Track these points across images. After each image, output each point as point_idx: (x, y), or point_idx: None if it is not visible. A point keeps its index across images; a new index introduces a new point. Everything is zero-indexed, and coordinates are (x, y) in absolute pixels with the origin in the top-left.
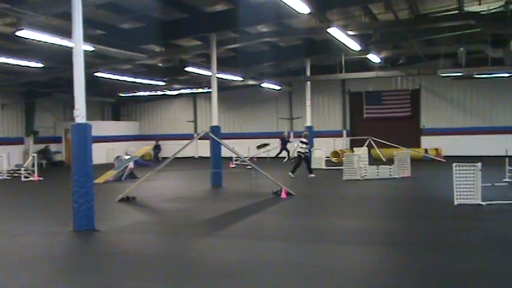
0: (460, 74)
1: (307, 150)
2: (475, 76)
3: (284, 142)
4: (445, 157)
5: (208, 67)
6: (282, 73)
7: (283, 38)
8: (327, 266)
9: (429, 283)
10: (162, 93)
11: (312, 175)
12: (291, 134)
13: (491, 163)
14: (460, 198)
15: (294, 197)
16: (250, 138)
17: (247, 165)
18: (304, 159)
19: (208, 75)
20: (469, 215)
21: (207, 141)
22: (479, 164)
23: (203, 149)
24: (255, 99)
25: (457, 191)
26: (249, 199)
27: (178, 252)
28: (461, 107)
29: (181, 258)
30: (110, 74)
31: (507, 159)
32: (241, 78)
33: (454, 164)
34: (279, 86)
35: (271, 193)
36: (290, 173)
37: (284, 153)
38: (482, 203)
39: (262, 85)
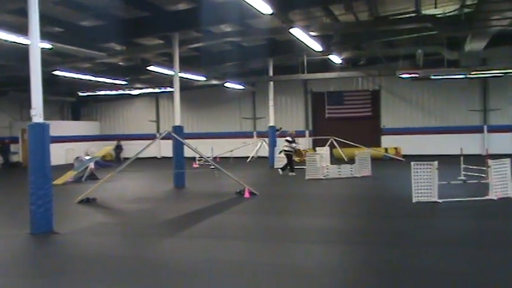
0: (417, 75)
1: (291, 149)
2: (432, 77)
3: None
4: (404, 156)
5: (170, 66)
6: (245, 73)
7: (246, 38)
8: (289, 265)
9: (389, 279)
10: (123, 92)
11: (293, 173)
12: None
13: (447, 162)
14: (418, 196)
15: (257, 197)
16: (213, 138)
17: (210, 165)
18: (291, 157)
19: (171, 75)
20: (427, 212)
21: (170, 141)
22: (435, 163)
23: (166, 149)
24: (219, 99)
25: (415, 189)
26: (212, 199)
27: (140, 253)
28: (420, 107)
29: (143, 259)
30: (69, 73)
31: (462, 158)
32: (205, 78)
33: (412, 163)
34: (242, 85)
35: (235, 193)
36: (288, 172)
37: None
38: (439, 200)
39: (225, 85)
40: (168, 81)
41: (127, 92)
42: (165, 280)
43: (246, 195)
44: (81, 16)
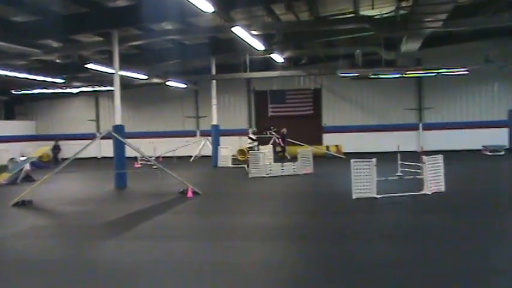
0: (357, 75)
1: (253, 146)
2: (371, 76)
3: (283, 138)
4: (345, 153)
5: (110, 64)
6: (187, 71)
7: (188, 36)
8: (232, 263)
9: (331, 273)
10: (61, 91)
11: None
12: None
13: (385, 159)
14: (358, 192)
15: (200, 196)
16: (156, 138)
17: (153, 165)
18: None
19: (111, 73)
20: (366, 207)
21: (111, 141)
22: (374, 160)
23: (106, 149)
24: (161, 98)
25: (355, 186)
26: (154, 199)
27: (81, 256)
28: (359, 106)
29: (84, 262)
30: (1, 70)
31: (399, 154)
32: (146, 76)
33: (352, 160)
34: (184, 84)
35: (178, 192)
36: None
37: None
38: (377, 196)
39: (167, 83)
40: (108, 79)
41: (65, 90)
42: (106, 283)
43: (189, 194)
44: (14, 11)
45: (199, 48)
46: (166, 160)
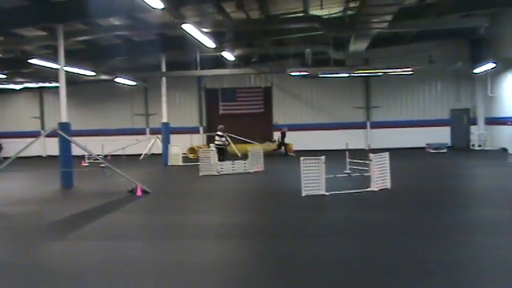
0: (306, 73)
1: (221, 142)
2: (320, 75)
3: (283, 137)
4: (295, 151)
5: (55, 60)
6: (136, 68)
7: (137, 32)
8: (184, 262)
9: (282, 271)
10: (2, 87)
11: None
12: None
13: (334, 156)
14: (307, 190)
15: (150, 195)
16: (104, 136)
17: (100, 164)
18: (223, 150)
19: (56, 69)
20: (315, 205)
21: (57, 139)
22: (323, 157)
23: (52, 147)
24: (109, 95)
25: (304, 183)
26: (103, 198)
27: (25, 258)
28: (309, 104)
29: (28, 264)
30: None
31: (347, 152)
32: (93, 73)
33: (301, 158)
34: (133, 81)
35: (127, 191)
36: (219, 163)
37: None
38: (326, 193)
39: (115, 80)
40: (53, 75)
41: (7, 86)
42: (52, 285)
43: (139, 193)
44: None
45: (149, 44)
46: (115, 158)
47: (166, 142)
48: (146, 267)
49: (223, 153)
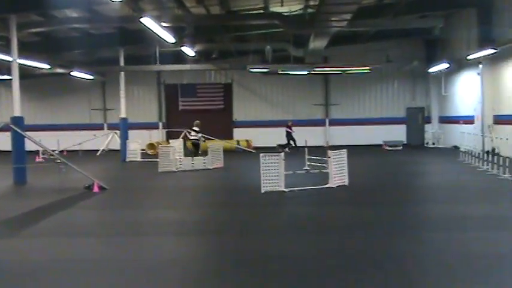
0: (267, 70)
1: (197, 138)
2: (280, 72)
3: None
4: (255, 148)
5: (8, 52)
6: (94, 62)
7: (94, 25)
8: (140, 259)
9: (240, 266)
10: None
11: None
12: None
13: (293, 153)
14: (266, 186)
15: (107, 191)
16: (60, 130)
17: (56, 159)
18: (199, 145)
19: (8, 61)
20: (274, 201)
21: (9, 134)
22: (282, 154)
23: (4, 142)
24: (65, 89)
25: (263, 180)
26: (58, 195)
27: None
28: (269, 101)
29: None
30: None
31: (306, 149)
32: (48, 66)
33: (261, 155)
34: (91, 75)
35: (83, 188)
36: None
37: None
38: (285, 189)
39: (72, 74)
40: (5, 67)
41: None
42: (4, 285)
43: (95, 189)
44: None
45: (107, 38)
46: (72, 154)
47: (124, 138)
48: (102, 265)
49: (198, 149)
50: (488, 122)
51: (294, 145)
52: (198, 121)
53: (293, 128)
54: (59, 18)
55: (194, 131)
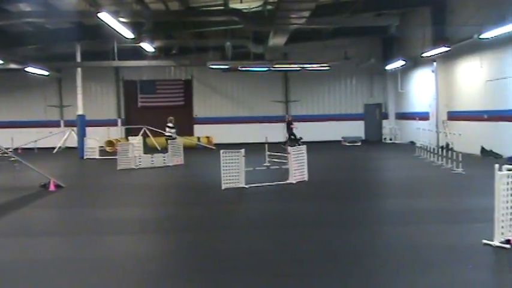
0: (227, 67)
1: (172, 134)
2: (240, 69)
3: (288, 125)
4: (216, 145)
5: None
6: (50, 57)
7: (50, 19)
8: (99, 258)
9: (198, 264)
10: None
11: None
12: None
13: (254, 149)
14: (227, 183)
15: (64, 189)
16: (14, 128)
17: (10, 157)
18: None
19: None
20: (234, 197)
21: None
22: (242, 151)
23: None
24: (19, 85)
25: (224, 176)
26: (12, 194)
27: None
28: (229, 98)
29: None
30: None
31: (267, 145)
32: (1, 61)
33: (221, 151)
34: (46, 71)
35: (39, 186)
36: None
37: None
38: (245, 186)
39: (26, 69)
40: None
41: None
42: None
43: (52, 188)
44: None
45: (63, 33)
46: (27, 152)
47: (82, 135)
48: (59, 264)
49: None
50: (443, 118)
51: (293, 138)
52: (171, 117)
53: (294, 124)
54: (13, 12)
55: (168, 126)
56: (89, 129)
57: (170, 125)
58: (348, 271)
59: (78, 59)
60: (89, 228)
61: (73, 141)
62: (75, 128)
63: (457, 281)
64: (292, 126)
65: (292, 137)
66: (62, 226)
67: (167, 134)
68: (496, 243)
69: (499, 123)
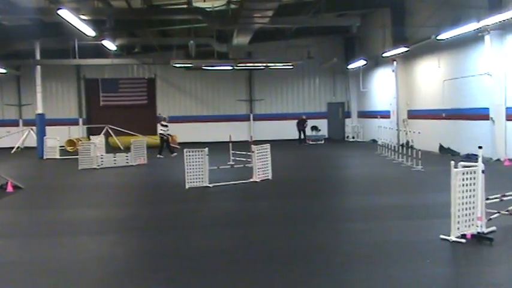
0: (190, 65)
1: (165, 132)
2: (204, 67)
3: (301, 123)
4: (179, 144)
5: None
6: (7, 55)
7: (7, 16)
8: (56, 260)
9: (161, 264)
10: None
11: (175, 154)
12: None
13: (218, 148)
14: (191, 182)
15: (22, 190)
16: None
17: None
18: (165, 140)
19: None
20: (198, 196)
21: None
22: (206, 149)
23: None
24: None
25: (187, 176)
26: None
27: None
28: (193, 97)
29: None
30: None
31: (231, 144)
32: None
33: (185, 150)
34: (3, 69)
35: None
36: (158, 155)
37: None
38: (209, 185)
39: None
40: None
41: None
42: None
43: (9, 189)
44: None
45: (22, 30)
46: None
47: (41, 134)
48: (17, 267)
49: (163, 143)
50: (403, 116)
51: (302, 137)
52: (165, 116)
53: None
54: None
55: (162, 125)
56: (49, 129)
57: (164, 123)
58: (312, 267)
59: (38, 57)
60: (49, 230)
61: (32, 141)
62: (34, 128)
63: (416, 275)
64: (305, 125)
65: (302, 135)
66: (19, 228)
67: (161, 132)
68: (452, 238)
69: (457, 121)
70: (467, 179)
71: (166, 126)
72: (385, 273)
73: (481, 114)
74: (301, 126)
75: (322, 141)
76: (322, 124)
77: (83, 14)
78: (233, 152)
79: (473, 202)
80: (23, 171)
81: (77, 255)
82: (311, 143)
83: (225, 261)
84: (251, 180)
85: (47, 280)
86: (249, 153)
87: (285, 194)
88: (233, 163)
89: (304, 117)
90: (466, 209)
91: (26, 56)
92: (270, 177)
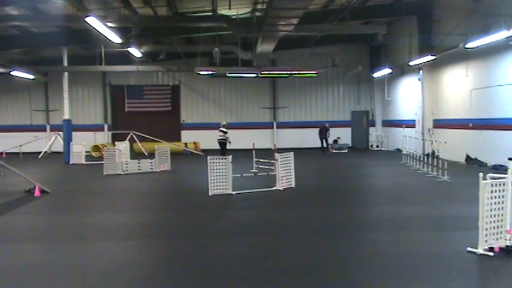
0: (214, 72)
1: (224, 138)
2: (228, 75)
3: (323, 131)
4: (203, 151)
5: None
6: (36, 61)
7: (36, 23)
8: (81, 265)
9: (186, 269)
10: None
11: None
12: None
13: (241, 155)
14: (214, 189)
15: (49, 195)
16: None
17: None
18: (225, 144)
19: None
20: (221, 204)
21: None
22: (230, 157)
23: None
24: (4, 89)
25: (211, 183)
26: None
27: None
28: (217, 104)
29: None
30: None
31: (254, 151)
32: None
33: (208, 157)
34: (32, 75)
35: (23, 191)
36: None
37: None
38: (232, 192)
39: (12, 73)
40: None
41: None
42: None
43: (37, 193)
44: None
45: (50, 37)
46: (12, 156)
47: (68, 140)
48: (43, 271)
49: (224, 148)
50: (428, 125)
51: (324, 146)
52: (224, 122)
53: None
54: None
55: (222, 131)
56: (75, 134)
57: (223, 129)
58: (334, 278)
59: (65, 63)
60: (74, 234)
61: (59, 146)
62: (61, 133)
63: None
64: (328, 133)
65: (324, 144)
66: (46, 232)
67: (219, 138)
68: (480, 251)
69: (484, 131)
70: (496, 191)
71: (225, 132)
72: (410, 286)
73: (510, 125)
74: (323, 135)
75: (346, 150)
76: (346, 132)
77: (110, 22)
78: (256, 159)
79: (502, 215)
80: (49, 175)
81: (102, 260)
82: (334, 151)
83: (247, 269)
84: (274, 188)
85: (71, 284)
86: (272, 161)
87: (308, 202)
88: (256, 171)
89: (327, 125)
90: (494, 221)
91: (54, 63)
92: (293, 185)
